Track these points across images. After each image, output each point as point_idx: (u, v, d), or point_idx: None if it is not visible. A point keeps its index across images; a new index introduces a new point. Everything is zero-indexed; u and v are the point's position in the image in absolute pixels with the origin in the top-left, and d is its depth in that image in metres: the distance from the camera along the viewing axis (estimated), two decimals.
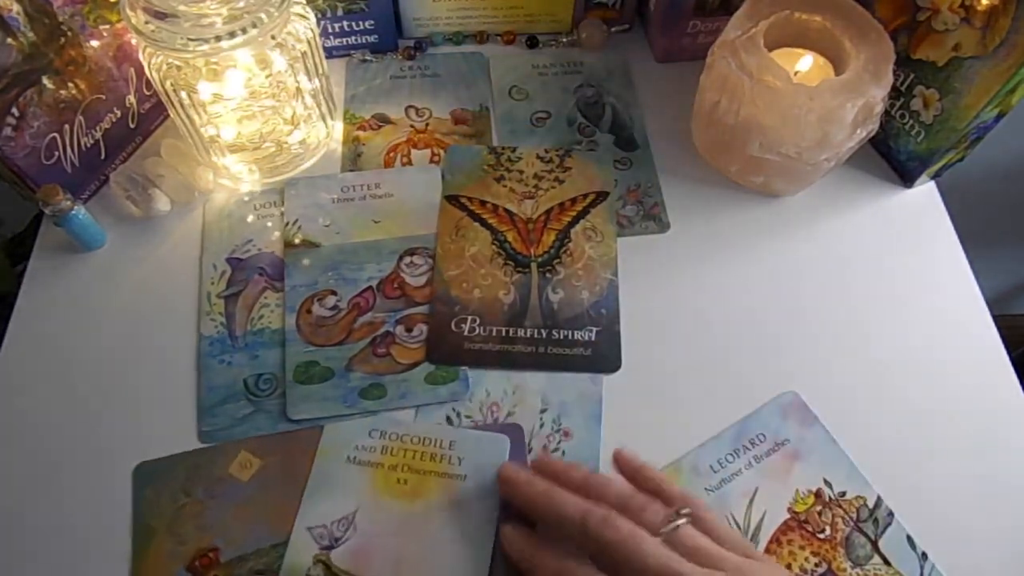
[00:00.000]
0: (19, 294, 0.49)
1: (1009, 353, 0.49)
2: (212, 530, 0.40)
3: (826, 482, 0.43)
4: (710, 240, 0.53)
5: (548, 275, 0.50)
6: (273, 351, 0.47)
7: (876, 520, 0.41)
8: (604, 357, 0.47)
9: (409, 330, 0.48)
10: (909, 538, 0.41)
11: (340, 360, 0.47)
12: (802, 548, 0.41)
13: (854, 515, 0.42)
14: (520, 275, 0.50)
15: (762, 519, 0.41)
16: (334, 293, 0.49)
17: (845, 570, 0.40)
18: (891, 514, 0.42)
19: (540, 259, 0.51)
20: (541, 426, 0.45)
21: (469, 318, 0.48)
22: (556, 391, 0.46)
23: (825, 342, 0.49)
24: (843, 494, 0.42)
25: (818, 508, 0.42)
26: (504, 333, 0.48)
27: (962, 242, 0.53)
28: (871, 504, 0.42)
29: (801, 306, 0.50)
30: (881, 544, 0.41)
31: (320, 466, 0.42)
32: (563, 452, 0.44)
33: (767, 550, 0.40)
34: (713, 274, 0.52)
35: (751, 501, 0.42)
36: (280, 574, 0.39)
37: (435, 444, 0.42)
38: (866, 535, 0.41)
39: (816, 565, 0.40)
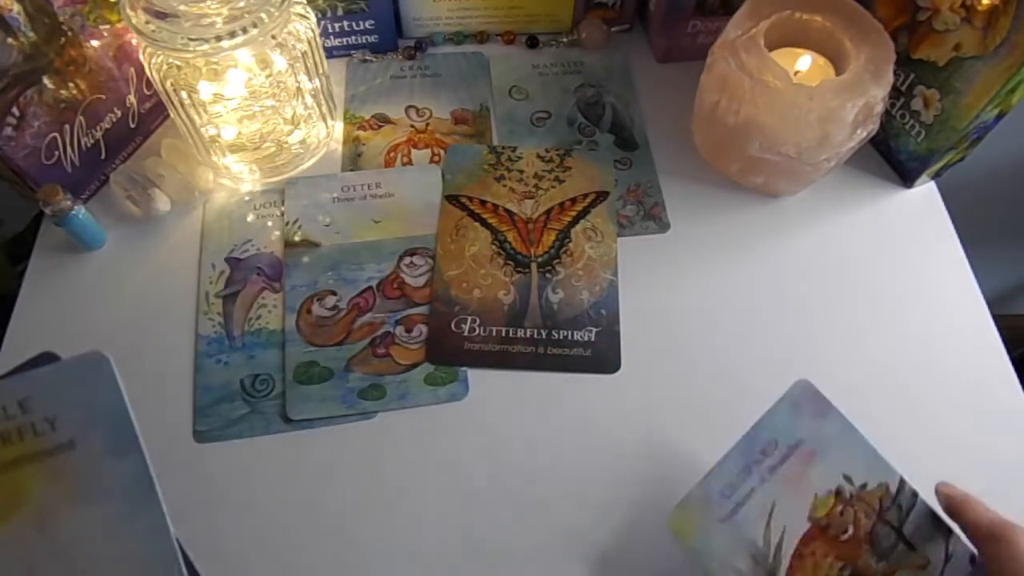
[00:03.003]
0: (19, 294, 0.49)
1: (1009, 353, 0.49)
2: None
3: (846, 477, 0.40)
4: (710, 240, 0.53)
5: (548, 275, 0.50)
6: (270, 352, 0.47)
7: (900, 505, 0.39)
8: (604, 357, 0.47)
9: (409, 331, 0.48)
10: (933, 515, 0.39)
11: (340, 360, 0.47)
12: (826, 555, 0.39)
13: (877, 506, 0.39)
14: (520, 275, 0.50)
15: (782, 536, 0.39)
16: (334, 293, 0.49)
17: (870, 566, 0.38)
18: (915, 495, 0.39)
19: (540, 259, 0.51)
20: None
21: (469, 318, 0.48)
22: None
23: (825, 342, 0.49)
24: (864, 486, 0.40)
25: (839, 508, 0.39)
26: (504, 333, 0.48)
27: (962, 242, 0.53)
28: (894, 489, 0.39)
29: (801, 306, 0.50)
30: (906, 530, 0.39)
31: None
32: None
33: (791, 567, 0.38)
34: (713, 274, 0.51)
35: (769, 520, 0.39)
36: None
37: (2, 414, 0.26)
38: (890, 524, 0.39)
39: (841, 569, 0.38)
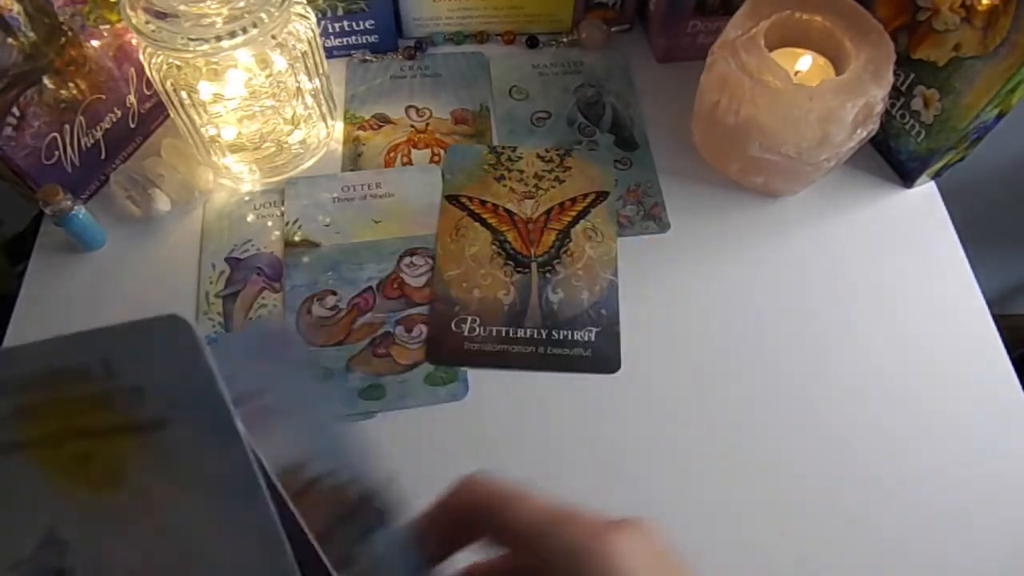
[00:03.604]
0: (19, 294, 0.49)
1: (1009, 353, 0.49)
2: None
3: (301, 460, 0.25)
4: (710, 240, 0.53)
5: (548, 275, 0.50)
6: None
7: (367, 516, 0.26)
8: (604, 357, 0.47)
9: (409, 330, 0.48)
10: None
11: (340, 360, 0.47)
12: None
13: (335, 509, 0.25)
14: (520, 275, 0.50)
15: None
16: (334, 293, 0.49)
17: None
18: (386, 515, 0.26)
19: (540, 259, 0.51)
20: None
21: (469, 318, 0.48)
22: None
23: (825, 342, 0.49)
24: (322, 478, 0.25)
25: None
26: (504, 333, 0.48)
27: (962, 242, 0.53)
28: (362, 495, 0.26)
29: (801, 306, 0.50)
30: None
31: None
32: None
33: None
34: (713, 274, 0.51)
35: None
36: None
37: (84, 375, 0.20)
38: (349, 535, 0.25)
39: None
